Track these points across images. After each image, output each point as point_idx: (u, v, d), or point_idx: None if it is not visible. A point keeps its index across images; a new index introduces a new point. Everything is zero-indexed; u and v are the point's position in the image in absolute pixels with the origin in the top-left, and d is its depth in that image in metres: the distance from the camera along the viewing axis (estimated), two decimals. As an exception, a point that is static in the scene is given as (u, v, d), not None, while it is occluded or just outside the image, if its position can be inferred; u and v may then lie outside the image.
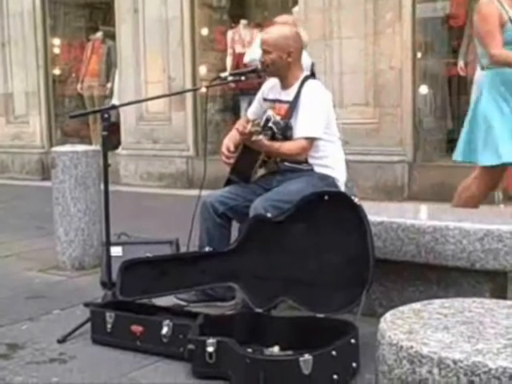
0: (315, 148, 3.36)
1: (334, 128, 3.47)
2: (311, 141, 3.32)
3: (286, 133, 3.32)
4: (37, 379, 2.76)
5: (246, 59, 6.29)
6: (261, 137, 3.11)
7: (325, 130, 3.36)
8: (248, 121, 3.31)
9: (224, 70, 8.14)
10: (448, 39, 7.63)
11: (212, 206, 3.40)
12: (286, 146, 3.31)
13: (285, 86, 3.47)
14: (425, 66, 7.22)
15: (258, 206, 3.20)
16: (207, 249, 3.32)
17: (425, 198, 6.40)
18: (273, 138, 3.33)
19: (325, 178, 3.36)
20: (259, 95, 3.66)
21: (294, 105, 3.37)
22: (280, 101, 3.46)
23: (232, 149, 3.47)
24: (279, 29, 3.56)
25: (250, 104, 4.01)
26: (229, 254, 3.22)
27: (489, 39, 3.91)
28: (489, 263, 2.95)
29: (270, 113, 3.36)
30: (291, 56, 3.37)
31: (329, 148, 3.42)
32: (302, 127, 3.31)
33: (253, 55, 5.94)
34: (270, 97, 3.54)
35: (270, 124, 3.23)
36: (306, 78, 3.43)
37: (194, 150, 8.44)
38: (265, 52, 3.41)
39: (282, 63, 3.38)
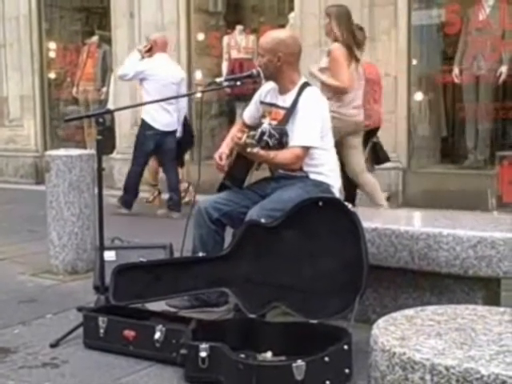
0: (310, 156, 3.36)
1: (329, 136, 3.47)
2: (306, 149, 3.32)
3: (281, 139, 3.33)
4: (29, 383, 2.75)
5: (117, 73, 6.76)
6: (255, 150, 3.12)
7: (321, 139, 3.37)
8: (243, 131, 3.31)
9: (219, 75, 8.15)
10: (443, 46, 7.66)
11: (207, 212, 3.40)
12: (281, 156, 3.32)
13: (281, 90, 3.47)
14: (420, 73, 7.24)
15: (253, 214, 3.20)
16: (201, 254, 3.32)
17: (419, 205, 6.41)
18: (268, 143, 3.34)
19: (319, 185, 3.36)
20: (256, 97, 3.66)
21: (290, 111, 3.37)
22: (277, 106, 3.47)
23: (224, 157, 3.48)
24: (274, 33, 3.58)
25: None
26: (222, 260, 3.21)
27: None
28: (482, 270, 2.95)
29: (265, 125, 3.36)
30: (280, 60, 3.38)
31: (323, 156, 3.42)
32: (297, 136, 3.31)
33: (124, 70, 6.50)
34: (267, 100, 3.55)
35: (265, 137, 3.24)
36: (304, 85, 3.44)
37: (189, 155, 8.43)
38: (260, 55, 3.45)
39: (272, 67, 3.39)
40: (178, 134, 6.67)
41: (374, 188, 5.26)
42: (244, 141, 3.08)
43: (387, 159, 5.86)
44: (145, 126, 6.49)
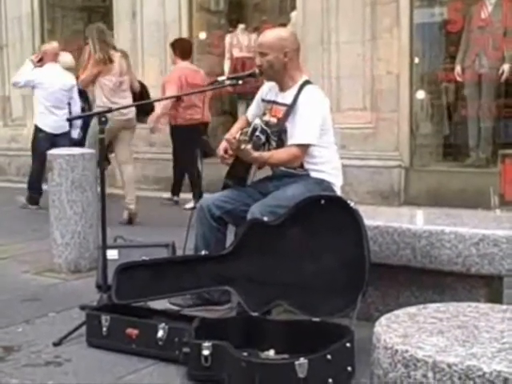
0: (310, 153, 3.37)
1: (330, 134, 3.47)
2: (304, 148, 3.32)
3: (281, 136, 3.35)
4: (32, 382, 2.76)
5: (12, 80, 7.65)
6: (249, 146, 3.13)
7: (321, 136, 3.37)
8: (238, 131, 3.33)
9: (222, 74, 8.15)
10: (445, 44, 7.65)
11: (209, 210, 3.40)
12: (277, 156, 3.33)
13: (282, 88, 3.48)
14: (422, 71, 7.24)
15: (255, 211, 3.20)
16: (203, 252, 3.32)
17: (421, 203, 6.42)
18: (267, 140, 3.35)
19: (321, 183, 3.36)
20: (258, 95, 3.67)
21: (290, 109, 3.37)
22: (277, 103, 3.47)
23: (230, 152, 3.48)
24: (275, 31, 3.58)
25: (247, 108, 4.03)
26: (225, 258, 3.22)
27: None
28: (484, 268, 2.95)
29: (257, 121, 3.38)
30: (287, 56, 3.39)
31: (324, 154, 3.42)
32: (295, 134, 3.32)
33: (17, 78, 7.33)
34: (268, 98, 3.56)
35: (257, 133, 3.25)
36: (305, 83, 3.44)
37: (191, 154, 8.43)
38: (261, 55, 3.42)
39: (278, 64, 3.39)
40: (76, 136, 7.32)
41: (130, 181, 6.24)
42: (238, 138, 3.10)
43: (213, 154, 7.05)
44: (36, 129, 7.18)
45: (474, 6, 7.01)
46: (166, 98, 6.74)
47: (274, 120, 3.43)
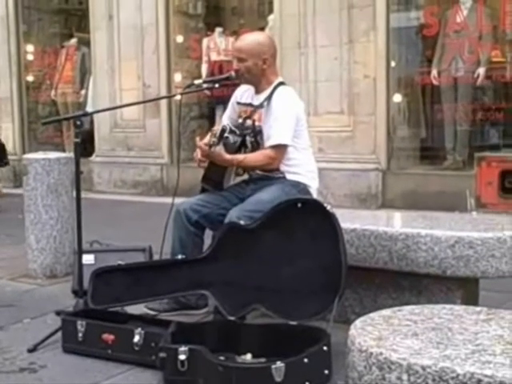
0: (286, 156, 3.37)
1: (305, 136, 3.47)
2: (279, 149, 3.32)
3: (256, 138, 3.36)
4: (6, 389, 2.73)
5: None
6: (218, 148, 3.13)
7: (296, 139, 3.37)
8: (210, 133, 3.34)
9: (199, 77, 8.14)
10: (422, 48, 7.71)
11: (185, 214, 3.38)
12: (251, 158, 3.33)
13: (258, 90, 3.48)
14: (399, 75, 7.29)
15: (232, 216, 3.19)
16: (180, 256, 3.31)
17: (398, 206, 6.46)
18: (243, 142, 3.35)
19: (297, 185, 3.36)
20: (233, 99, 3.66)
21: (261, 108, 3.39)
22: (252, 105, 3.48)
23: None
24: (253, 36, 3.56)
25: (224, 111, 4.02)
26: (202, 262, 3.20)
27: None
28: (460, 270, 2.96)
29: (226, 123, 3.39)
30: (266, 63, 3.38)
31: (299, 156, 3.42)
32: (269, 137, 3.32)
33: None
34: (243, 100, 3.55)
35: (226, 134, 3.24)
36: (278, 84, 3.44)
37: (169, 158, 8.43)
38: (240, 60, 3.40)
39: (257, 70, 3.39)
40: None
41: None
42: (208, 140, 3.10)
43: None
44: None
45: (450, 10, 7.08)
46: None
47: (249, 122, 3.43)
